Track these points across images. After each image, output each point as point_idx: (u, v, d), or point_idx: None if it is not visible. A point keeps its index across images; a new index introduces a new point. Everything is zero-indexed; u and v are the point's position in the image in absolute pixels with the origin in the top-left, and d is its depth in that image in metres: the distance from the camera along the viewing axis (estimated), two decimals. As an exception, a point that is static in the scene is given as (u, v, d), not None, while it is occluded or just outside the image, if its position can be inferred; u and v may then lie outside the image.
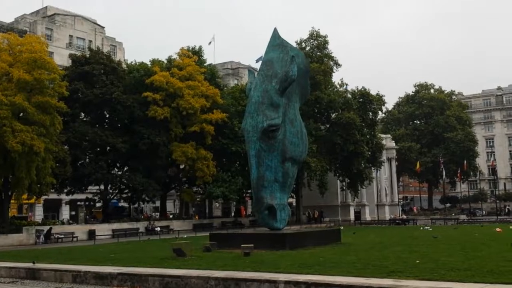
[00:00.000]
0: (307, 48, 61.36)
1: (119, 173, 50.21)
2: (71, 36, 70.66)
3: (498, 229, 32.07)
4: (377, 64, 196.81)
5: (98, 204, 49.85)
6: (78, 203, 61.38)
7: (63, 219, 54.34)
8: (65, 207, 61.81)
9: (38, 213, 57.74)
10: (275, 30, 26.03)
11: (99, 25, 76.26)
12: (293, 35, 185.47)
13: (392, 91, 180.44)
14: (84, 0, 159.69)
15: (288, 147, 23.83)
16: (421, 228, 39.57)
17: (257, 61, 78.65)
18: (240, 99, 53.75)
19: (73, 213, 61.46)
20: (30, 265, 19.48)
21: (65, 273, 17.63)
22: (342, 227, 36.28)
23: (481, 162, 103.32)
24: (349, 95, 59.43)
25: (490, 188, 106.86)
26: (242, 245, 19.29)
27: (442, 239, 26.45)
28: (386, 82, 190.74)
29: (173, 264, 17.18)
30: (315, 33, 60.90)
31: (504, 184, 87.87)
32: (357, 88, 60.35)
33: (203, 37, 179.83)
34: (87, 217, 62.17)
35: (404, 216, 57.87)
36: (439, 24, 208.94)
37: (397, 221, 54.69)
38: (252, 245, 19.30)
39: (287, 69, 23.59)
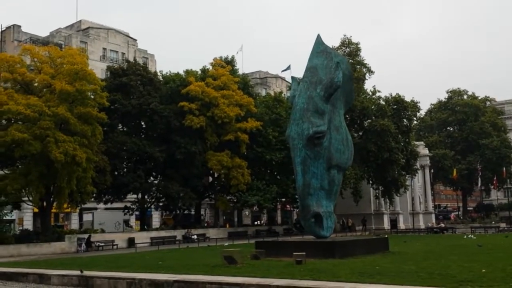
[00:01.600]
0: (340, 56, 61.12)
1: (155, 182, 50.65)
2: (104, 49, 72.01)
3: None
4: (405, 72, 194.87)
5: (136, 213, 50.29)
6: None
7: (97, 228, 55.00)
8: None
9: (74, 222, 58.58)
10: (319, 37, 26.00)
11: (131, 37, 77.52)
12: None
13: (423, 99, 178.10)
14: (117, 14, 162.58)
15: (333, 154, 23.71)
16: (465, 237, 38.78)
17: (283, 71, 79.40)
18: (273, 107, 53.87)
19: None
20: (78, 273, 19.71)
21: (119, 280, 17.74)
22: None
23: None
24: (382, 102, 58.84)
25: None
26: (294, 253, 19.16)
27: (495, 247, 25.88)
28: (416, 90, 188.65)
29: (227, 272, 17.15)
30: (347, 40, 60.58)
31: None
32: (391, 95, 59.76)
33: (230, 48, 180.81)
34: (121, 225, 63.12)
35: (443, 225, 56.86)
36: (466, 31, 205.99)
37: (435, 229, 53.74)
38: (304, 253, 19.13)
39: (332, 76, 23.52)
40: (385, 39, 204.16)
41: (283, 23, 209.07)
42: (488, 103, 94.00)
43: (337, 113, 24.80)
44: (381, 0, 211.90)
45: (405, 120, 59.76)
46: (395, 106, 58.42)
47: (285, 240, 28.58)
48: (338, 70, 23.47)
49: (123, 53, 73.55)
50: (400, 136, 57.95)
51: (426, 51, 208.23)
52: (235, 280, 15.23)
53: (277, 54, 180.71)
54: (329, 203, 24.00)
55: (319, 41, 25.86)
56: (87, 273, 19.17)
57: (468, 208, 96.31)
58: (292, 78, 27.40)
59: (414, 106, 60.23)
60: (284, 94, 63.28)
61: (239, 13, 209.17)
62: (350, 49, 59.56)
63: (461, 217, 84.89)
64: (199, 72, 54.57)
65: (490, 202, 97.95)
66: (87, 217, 57.84)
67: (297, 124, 23.54)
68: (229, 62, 56.68)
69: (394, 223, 60.34)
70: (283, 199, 56.09)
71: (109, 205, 51.91)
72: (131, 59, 57.52)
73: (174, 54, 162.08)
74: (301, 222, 26.01)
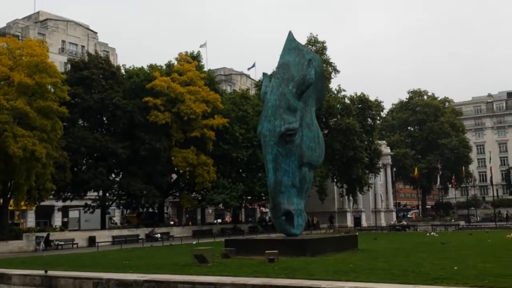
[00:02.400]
0: (306, 54, 61.25)
1: (118, 179, 49.47)
2: (63, 42, 70.18)
3: (508, 236, 32.01)
4: (365, 72, 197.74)
5: (97, 211, 48.96)
6: (70, 209, 60.82)
7: (55, 226, 53.49)
8: (58, 213, 61.02)
9: (30, 220, 56.74)
10: (290, 33, 25.72)
11: (92, 30, 75.69)
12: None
13: (385, 99, 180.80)
14: (76, 6, 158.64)
15: (305, 151, 23.48)
16: (428, 234, 39.40)
17: (249, 68, 78.95)
18: (240, 104, 53.39)
19: (65, 219, 60.80)
20: (42, 272, 18.85)
21: (85, 280, 17.01)
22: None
23: (472, 168, 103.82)
24: (347, 101, 59.26)
25: (481, 195, 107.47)
26: (266, 251, 18.84)
27: (460, 245, 26.26)
28: (378, 90, 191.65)
29: (198, 271, 16.67)
30: (313, 38, 60.73)
31: (497, 190, 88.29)
32: (356, 94, 60.27)
33: (193, 45, 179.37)
34: (78, 222, 61.57)
35: (405, 222, 57.76)
36: (425, 32, 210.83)
37: (397, 227, 54.51)
38: (277, 251, 18.83)
39: (304, 73, 23.29)
40: (347, 39, 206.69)
41: (247, 21, 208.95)
42: (447, 104, 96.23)
43: (309, 110, 24.57)
44: (345, 2, 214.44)
45: (369, 119, 60.38)
46: (359, 105, 58.94)
47: (255, 238, 28.22)
48: (311, 67, 23.25)
49: (82, 46, 71.86)
50: (364, 135, 58.52)
51: (387, 52, 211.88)
52: (208, 279, 14.77)
53: (241, 52, 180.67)
54: (300, 201, 23.76)
55: (291, 38, 25.58)
56: (50, 272, 18.31)
57: (427, 206, 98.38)
58: (264, 74, 27.06)
59: (378, 105, 60.92)
60: (250, 91, 62.91)
61: (201, 9, 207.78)
62: (316, 48, 59.66)
63: (421, 215, 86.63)
64: (164, 67, 53.52)
65: (447, 200, 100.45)
66: (73, 214, 56.47)
67: (269, 121, 23.19)
68: (195, 58, 55.84)
69: (357, 221, 60.95)
70: (249, 197, 55.65)
71: (68, 203, 50.58)
72: (91, 52, 56.14)
73: (136, 49, 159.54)
74: (272, 219, 25.73)
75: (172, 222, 58.54)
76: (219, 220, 71.95)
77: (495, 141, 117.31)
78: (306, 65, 23.59)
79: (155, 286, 15.27)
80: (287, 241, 22.44)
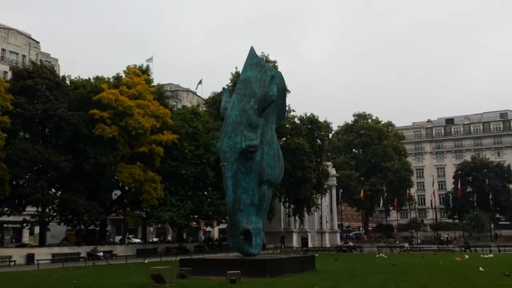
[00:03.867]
0: (256, 73, 61.30)
1: (59, 194, 47.10)
2: (3, 50, 67.35)
3: (457, 258, 32.65)
4: (310, 95, 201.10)
5: (36, 228, 46.40)
6: (5, 225, 57.44)
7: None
8: (-12, 229, 57.55)
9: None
10: (252, 49, 25.42)
11: (33, 39, 72.96)
12: (226, 60, 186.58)
13: (331, 120, 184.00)
14: (17, 14, 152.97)
15: (265, 169, 23.04)
16: (377, 256, 39.64)
17: (197, 86, 78.15)
18: (190, 120, 52.41)
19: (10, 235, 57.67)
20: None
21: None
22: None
23: (412, 191, 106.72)
24: (297, 121, 59.55)
25: (420, 217, 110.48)
26: (228, 272, 18.06)
27: (413, 266, 26.38)
28: (323, 113, 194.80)
29: (158, 293, 15.71)
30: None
31: (436, 213, 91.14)
32: (306, 114, 60.70)
33: (138, 60, 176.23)
34: (13, 240, 58.29)
35: (351, 244, 58.21)
36: (364, 57, 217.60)
37: (343, 248, 54.77)
38: (239, 271, 18.09)
39: (266, 89, 22.96)
40: (290, 61, 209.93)
41: (192, 37, 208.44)
42: (390, 128, 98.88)
43: (270, 127, 24.22)
44: (287, 24, 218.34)
45: (318, 140, 60.85)
46: (309, 126, 59.33)
47: (212, 258, 27.25)
48: (273, 83, 22.96)
49: (23, 55, 69.17)
50: (313, 155, 58.84)
51: (329, 76, 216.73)
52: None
53: (187, 69, 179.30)
54: (258, 220, 23.24)
55: (252, 54, 25.28)
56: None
57: (369, 228, 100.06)
58: (223, 89, 26.55)
59: (327, 126, 61.60)
60: (200, 108, 62.06)
61: (146, 24, 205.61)
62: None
63: (365, 237, 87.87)
64: (112, 80, 51.86)
65: (388, 222, 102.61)
66: (37, 229, 53.51)
67: (229, 137, 22.64)
68: (144, 71, 54.60)
69: (305, 241, 60.85)
70: (196, 216, 54.39)
71: (4, 218, 47.70)
72: (33, 62, 53.76)
73: (79, 61, 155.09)
74: (229, 238, 24.92)
75: (122, 240, 56.20)
76: (155, 239, 69.75)
77: (433, 165, 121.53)
78: (268, 81, 23.28)
79: (112, 308, 14.21)
80: (245, 261, 21.72)
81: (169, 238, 73.32)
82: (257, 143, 22.46)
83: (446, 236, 71.23)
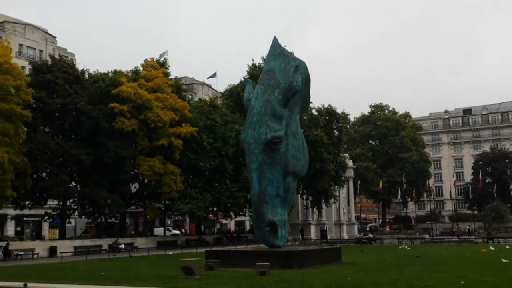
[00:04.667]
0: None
1: (79, 188, 47.41)
2: (21, 45, 67.53)
3: (483, 250, 32.32)
4: (323, 88, 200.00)
5: (57, 221, 46.82)
6: (25, 218, 58.02)
7: (8, 235, 50.80)
8: (10, 222, 58.04)
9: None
10: (275, 39, 25.15)
11: (50, 34, 73.27)
12: (240, 53, 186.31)
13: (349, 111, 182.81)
14: (35, 9, 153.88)
15: (290, 160, 22.81)
16: (400, 247, 39.34)
17: (209, 77, 78.04)
18: (208, 113, 52.35)
19: (19, 228, 58.07)
20: (15, 284, 17.36)
21: (63, 294, 15.72)
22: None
23: (429, 183, 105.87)
24: (315, 112, 59.18)
25: (437, 209, 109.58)
26: (257, 264, 17.97)
27: (440, 258, 26.11)
28: (339, 103, 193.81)
29: (189, 284, 15.66)
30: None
31: (455, 204, 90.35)
32: (323, 106, 60.31)
33: (151, 54, 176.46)
34: (33, 233, 58.88)
35: (371, 235, 57.89)
36: (384, 46, 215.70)
37: (363, 240, 54.49)
38: (268, 263, 17.98)
39: (291, 79, 22.70)
40: (302, 53, 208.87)
41: (205, 31, 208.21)
42: (407, 118, 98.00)
43: (294, 118, 24.00)
44: (299, 17, 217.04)
45: (336, 132, 60.46)
46: (327, 117, 58.95)
47: (238, 250, 27.25)
48: (297, 73, 22.70)
49: (40, 50, 69.43)
50: (331, 147, 58.48)
51: (344, 67, 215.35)
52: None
53: (201, 62, 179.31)
54: (284, 212, 23.08)
55: (276, 44, 25.00)
56: (31, 285, 16.85)
57: (386, 220, 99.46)
58: (246, 80, 26.37)
59: (344, 118, 61.20)
60: (218, 100, 61.92)
61: (158, 19, 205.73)
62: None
63: (380, 228, 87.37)
64: (129, 73, 51.93)
65: (405, 214, 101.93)
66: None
67: (254, 128, 22.44)
68: (162, 64, 54.61)
69: (324, 233, 60.59)
70: (215, 208, 54.46)
71: (25, 211, 48.14)
72: (48, 57, 54.06)
73: (95, 57, 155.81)
74: (254, 230, 24.79)
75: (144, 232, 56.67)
76: (177, 232, 70.19)
77: (451, 156, 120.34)
78: (293, 72, 23.02)
79: (146, 300, 14.18)
80: (273, 253, 21.59)
81: (184, 230, 73.34)
82: (282, 134, 22.26)
83: (468, 227, 70.52)
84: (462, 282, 14.63)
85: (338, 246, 30.58)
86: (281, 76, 23.54)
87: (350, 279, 16.02)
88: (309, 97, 25.71)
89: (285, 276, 16.79)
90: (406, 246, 40.62)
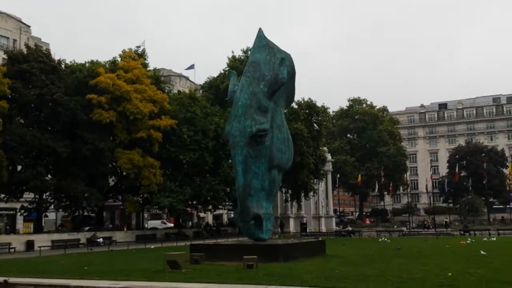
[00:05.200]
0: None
1: (56, 181, 46.50)
2: (-7, 34, 65.92)
3: (462, 242, 32.75)
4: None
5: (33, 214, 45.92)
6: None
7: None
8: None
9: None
10: (260, 31, 24.85)
11: (24, 23, 71.60)
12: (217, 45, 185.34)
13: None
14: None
15: (275, 154, 22.61)
16: (379, 240, 39.65)
17: (186, 69, 77.35)
18: (187, 105, 51.82)
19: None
20: (0, 280, 16.85)
21: (48, 288, 15.28)
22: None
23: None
24: (295, 106, 59.10)
25: (413, 202, 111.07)
26: (244, 257, 17.80)
27: (422, 250, 26.35)
28: (317, 97, 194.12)
29: (175, 278, 15.35)
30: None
31: (431, 197, 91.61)
32: (303, 99, 60.31)
33: (128, 45, 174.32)
34: (7, 227, 57.72)
35: (350, 228, 58.28)
36: (360, 39, 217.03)
37: (342, 232, 54.84)
38: (256, 256, 17.84)
39: (276, 72, 22.45)
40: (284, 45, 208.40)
41: (182, 23, 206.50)
42: (385, 113, 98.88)
43: (279, 111, 23.80)
44: (278, 8, 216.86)
45: (315, 125, 60.56)
46: (307, 111, 58.97)
47: (222, 243, 27.03)
48: (283, 66, 22.45)
49: (14, 40, 67.79)
50: (311, 140, 58.55)
51: (322, 62, 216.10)
52: (193, 287, 13.55)
53: (178, 54, 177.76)
54: (269, 205, 22.95)
55: (261, 35, 24.69)
56: (12, 280, 16.36)
57: (363, 213, 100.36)
58: (230, 72, 26.05)
59: (324, 111, 61.29)
60: (198, 93, 61.39)
61: (134, 9, 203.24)
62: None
63: (358, 221, 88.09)
64: (107, 64, 50.93)
65: (383, 207, 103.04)
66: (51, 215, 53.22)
67: (239, 121, 22.16)
68: (141, 55, 53.77)
69: (304, 226, 60.80)
70: (194, 202, 54.06)
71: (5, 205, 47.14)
72: (22, 46, 52.80)
73: (69, 47, 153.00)
74: (239, 224, 24.61)
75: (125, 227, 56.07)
76: (171, 225, 69.92)
77: (426, 150, 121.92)
78: (278, 64, 22.77)
79: (134, 295, 13.89)
80: (258, 246, 21.40)
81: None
82: (267, 127, 22.03)
83: (445, 220, 71.57)
84: (450, 274, 14.70)
85: (320, 239, 30.62)
86: (267, 68, 23.30)
87: (338, 271, 15.98)
88: (294, 90, 25.53)
89: (273, 269, 16.67)
90: (385, 239, 40.97)
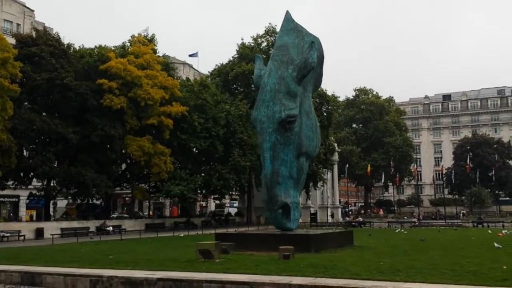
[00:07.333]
0: (264, 44, 59.92)
1: (65, 167, 45.65)
2: (-3, 18, 64.75)
3: (500, 234, 32.13)
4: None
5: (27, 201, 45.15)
6: (1, 199, 55.98)
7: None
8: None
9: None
10: (288, 13, 24.03)
11: (28, 8, 70.44)
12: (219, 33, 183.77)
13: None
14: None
15: (303, 140, 21.93)
16: (397, 231, 39.00)
17: (190, 55, 76.36)
18: (198, 92, 50.93)
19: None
20: (23, 268, 16.20)
21: (80, 278, 14.60)
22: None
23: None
24: (305, 95, 58.27)
25: (417, 193, 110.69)
26: (280, 247, 17.13)
27: (454, 242, 25.82)
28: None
29: (214, 268, 14.67)
30: (271, 29, 59.46)
31: (434, 189, 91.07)
32: (314, 88, 59.32)
33: (132, 32, 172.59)
34: (11, 214, 56.97)
35: (361, 219, 57.74)
36: (364, 30, 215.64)
37: (353, 223, 54.26)
38: (293, 247, 17.15)
39: (306, 56, 21.68)
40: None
41: (186, 10, 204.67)
42: (391, 103, 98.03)
43: (307, 96, 23.12)
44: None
45: (325, 114, 59.76)
46: (317, 100, 58.10)
47: (249, 233, 26.36)
48: (313, 50, 21.68)
49: (18, 24, 66.70)
50: (321, 129, 57.61)
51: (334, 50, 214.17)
52: (240, 278, 12.89)
53: (181, 43, 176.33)
54: (296, 193, 22.27)
55: (288, 18, 23.89)
56: (32, 268, 15.69)
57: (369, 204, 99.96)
58: (256, 56, 25.09)
59: (334, 100, 60.43)
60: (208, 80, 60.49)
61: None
62: (275, 38, 58.28)
63: (363, 212, 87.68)
64: (116, 49, 49.93)
65: (386, 198, 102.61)
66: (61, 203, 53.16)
67: (267, 106, 21.38)
68: (150, 41, 52.82)
69: (313, 216, 60.19)
70: (203, 191, 53.34)
71: (2, 192, 46.01)
72: (26, 31, 51.71)
73: (74, 32, 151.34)
74: (266, 213, 23.88)
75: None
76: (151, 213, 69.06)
77: (430, 141, 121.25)
78: (308, 48, 21.99)
79: (172, 285, 13.21)
80: (288, 236, 20.73)
81: (166, 213, 72.11)
82: (296, 112, 21.31)
83: (462, 211, 71.02)
84: (505, 267, 14.02)
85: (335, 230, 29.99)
86: (295, 52, 22.54)
87: (382, 263, 15.28)
88: (322, 75, 24.76)
89: (311, 260, 16.02)
90: (402, 230, 40.34)
